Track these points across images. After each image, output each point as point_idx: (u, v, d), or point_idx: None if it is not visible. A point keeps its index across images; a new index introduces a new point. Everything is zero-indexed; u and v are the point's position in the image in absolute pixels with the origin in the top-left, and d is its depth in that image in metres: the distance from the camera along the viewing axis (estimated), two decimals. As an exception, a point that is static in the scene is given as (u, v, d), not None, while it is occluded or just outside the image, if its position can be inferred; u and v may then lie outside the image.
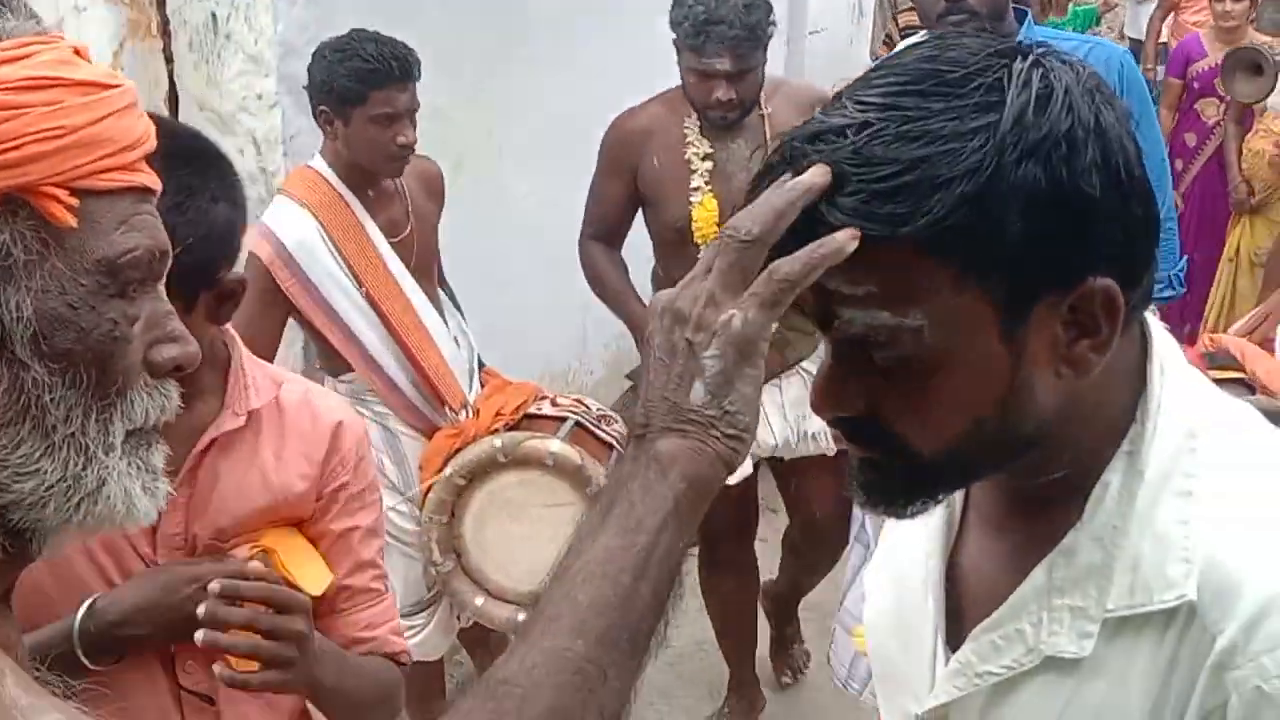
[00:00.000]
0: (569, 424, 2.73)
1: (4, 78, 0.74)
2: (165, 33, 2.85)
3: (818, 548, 3.19)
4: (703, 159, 2.89)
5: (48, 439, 0.78)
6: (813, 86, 3.17)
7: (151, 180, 0.83)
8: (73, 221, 0.77)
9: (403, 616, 2.88)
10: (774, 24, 2.83)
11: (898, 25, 4.61)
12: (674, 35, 2.81)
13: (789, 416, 2.96)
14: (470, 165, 3.02)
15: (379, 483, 1.59)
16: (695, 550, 3.33)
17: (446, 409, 2.76)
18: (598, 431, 2.77)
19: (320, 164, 2.66)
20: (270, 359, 2.65)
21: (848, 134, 0.79)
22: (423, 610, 2.89)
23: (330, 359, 2.75)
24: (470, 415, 2.76)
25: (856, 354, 0.83)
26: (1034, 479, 0.88)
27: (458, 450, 2.69)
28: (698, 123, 2.88)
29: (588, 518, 0.79)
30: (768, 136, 2.87)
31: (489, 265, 3.17)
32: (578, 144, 3.81)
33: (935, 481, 0.88)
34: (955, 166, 0.77)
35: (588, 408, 2.81)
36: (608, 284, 3.05)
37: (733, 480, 3.02)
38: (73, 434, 0.79)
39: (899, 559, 1.04)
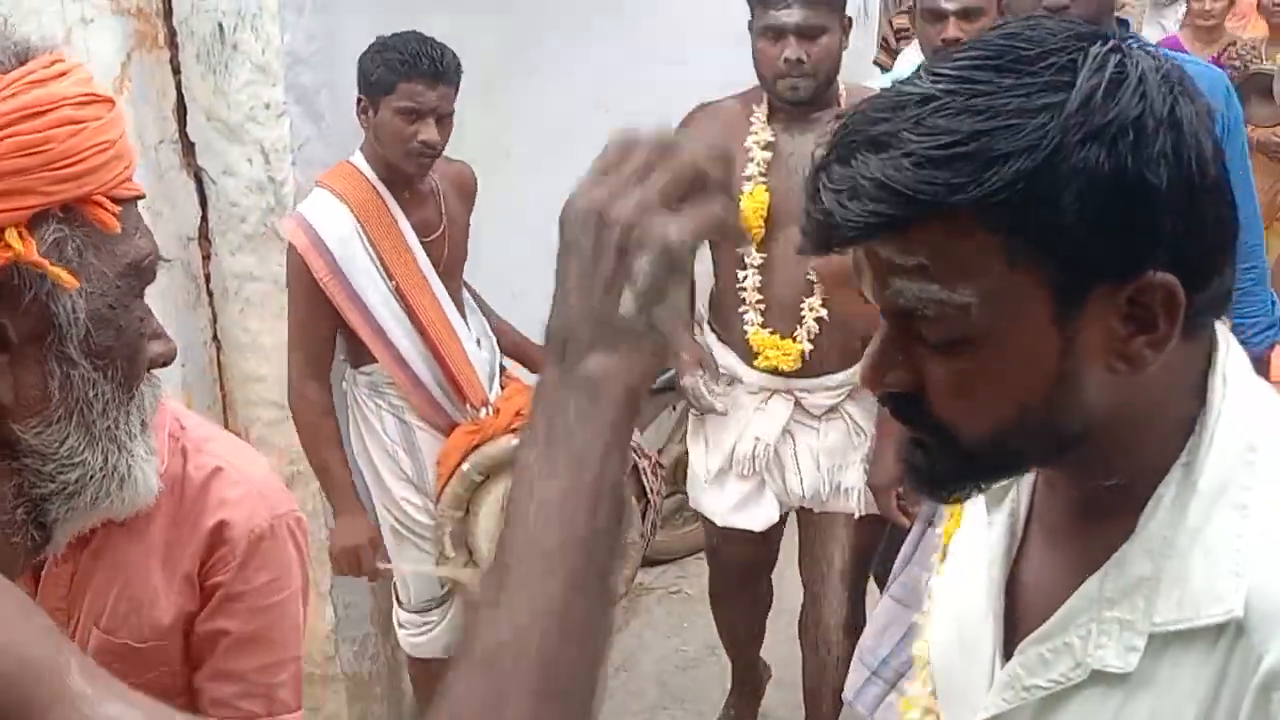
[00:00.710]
0: None
1: (63, 94, 0.81)
2: (172, 44, 2.86)
3: (826, 611, 2.98)
4: (763, 148, 2.76)
5: (90, 432, 0.84)
6: None
7: (141, 189, 0.90)
8: (118, 227, 0.83)
9: (415, 613, 2.92)
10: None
11: (892, 27, 4.58)
12: (747, 2, 2.72)
13: (823, 465, 2.82)
14: (479, 169, 3.02)
15: (281, 592, 1.42)
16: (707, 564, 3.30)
17: (468, 406, 2.79)
18: (615, 438, 2.78)
19: (360, 160, 2.73)
20: (328, 356, 2.72)
21: (913, 104, 0.79)
22: (435, 607, 2.91)
23: (354, 350, 2.81)
24: (490, 414, 2.79)
25: (907, 329, 0.83)
26: (1089, 483, 0.87)
27: (476, 447, 2.73)
28: (766, 112, 2.78)
29: (526, 450, 0.74)
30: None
31: (498, 269, 3.17)
32: (588, 148, 3.79)
33: (978, 468, 0.87)
34: (1015, 141, 0.76)
35: None
36: None
37: (758, 526, 2.92)
38: (108, 426, 0.85)
39: (962, 569, 1.03)
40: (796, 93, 2.69)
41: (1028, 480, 0.97)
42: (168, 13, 2.83)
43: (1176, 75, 0.81)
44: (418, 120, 2.62)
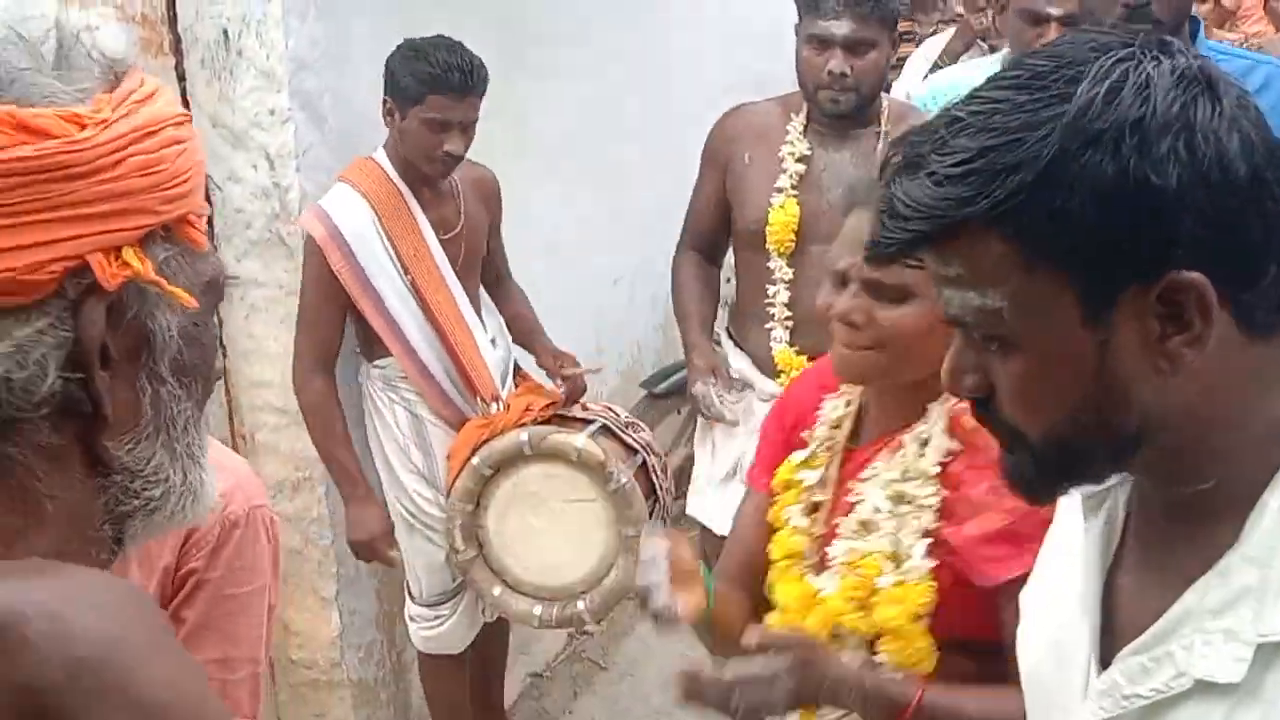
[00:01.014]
0: (596, 425, 2.75)
1: (165, 114, 0.81)
2: (177, 50, 2.86)
3: None
4: (797, 160, 2.71)
5: (173, 449, 0.84)
6: None
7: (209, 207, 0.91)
8: (207, 245, 0.84)
9: (427, 606, 2.94)
10: (906, 5, 2.68)
11: None
12: (795, 5, 2.68)
13: None
14: (481, 173, 3.03)
15: (247, 585, 1.41)
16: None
17: (478, 400, 2.84)
18: (623, 436, 2.79)
19: (381, 156, 2.80)
20: (335, 347, 2.77)
21: (943, 127, 0.85)
22: (447, 601, 2.94)
23: (368, 343, 2.86)
24: (501, 409, 2.83)
25: (968, 335, 0.89)
26: (1180, 488, 0.88)
27: (486, 441, 2.76)
28: (804, 122, 2.73)
29: None
30: (880, 156, 2.71)
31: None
32: (591, 152, 3.81)
33: (1052, 468, 0.90)
34: (1019, 154, 0.80)
35: (616, 414, 2.86)
36: (678, 303, 2.92)
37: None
38: (188, 443, 0.85)
39: (1056, 575, 1.04)
40: (837, 106, 2.65)
41: (1125, 487, 0.97)
42: (172, 19, 2.84)
43: (1201, 76, 0.82)
44: (444, 131, 2.69)
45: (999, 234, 0.82)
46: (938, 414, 1.53)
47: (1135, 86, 0.80)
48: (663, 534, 1.57)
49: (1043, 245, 0.82)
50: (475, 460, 2.75)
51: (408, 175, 2.79)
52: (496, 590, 2.82)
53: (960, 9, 4.96)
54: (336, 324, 2.78)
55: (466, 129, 2.72)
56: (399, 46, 2.74)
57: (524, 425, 2.78)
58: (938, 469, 1.51)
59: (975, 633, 1.51)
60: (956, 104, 0.86)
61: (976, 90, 0.86)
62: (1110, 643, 0.94)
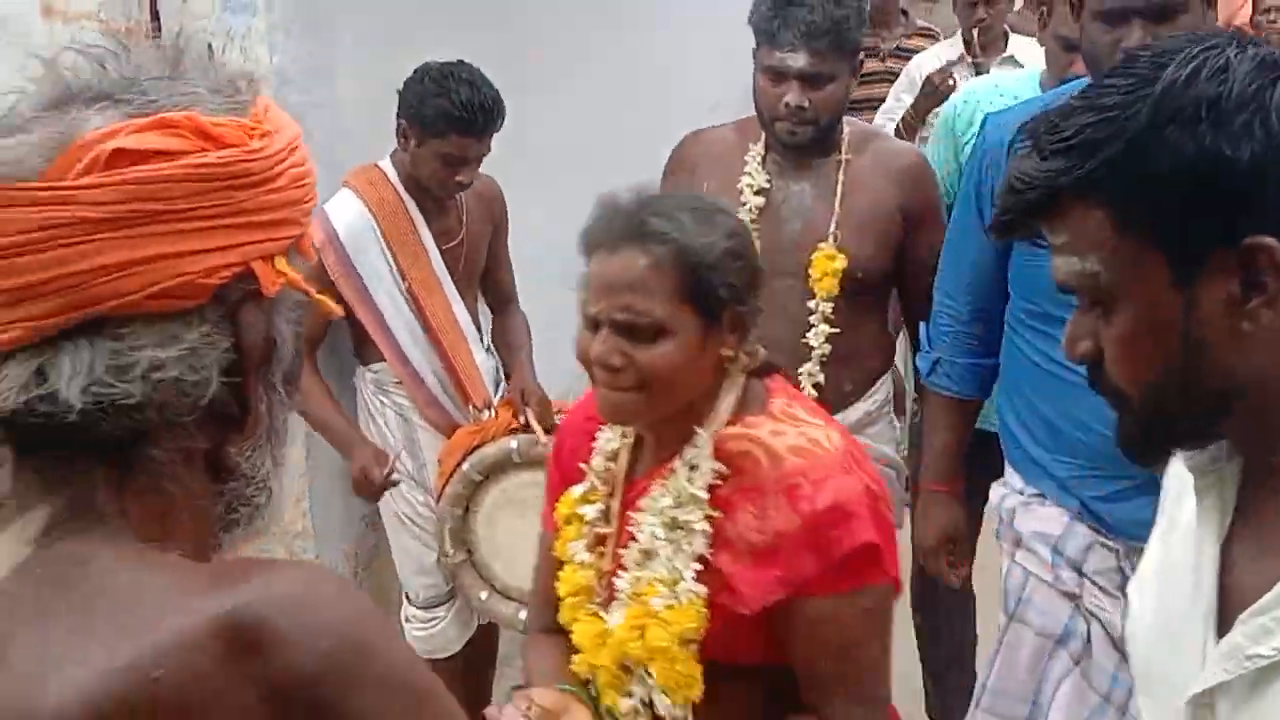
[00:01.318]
0: None
1: (296, 129, 0.84)
2: (161, 65, 2.86)
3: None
4: (755, 193, 2.60)
5: (274, 457, 0.86)
6: (913, 153, 2.84)
7: None
8: (315, 258, 0.87)
9: (422, 609, 2.98)
10: (866, 34, 2.61)
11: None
12: (752, 32, 2.59)
13: None
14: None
15: None
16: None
17: (470, 407, 2.88)
18: (611, 447, 2.82)
19: (387, 164, 2.84)
20: (317, 337, 2.78)
21: (1056, 110, 0.95)
22: (441, 604, 2.98)
23: (363, 347, 2.89)
24: (492, 415, 2.87)
25: (1080, 303, 0.98)
26: (1278, 454, 0.95)
27: (477, 447, 2.80)
28: (762, 152, 2.62)
29: None
30: (840, 186, 2.57)
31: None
32: (580, 168, 3.82)
33: (1153, 431, 0.98)
34: (1110, 129, 0.91)
35: None
36: None
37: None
38: (282, 451, 0.87)
39: (1166, 555, 1.09)
40: (794, 138, 2.55)
41: (1235, 467, 1.02)
42: (156, 33, 2.84)
43: None
44: (460, 164, 2.72)
45: (1094, 201, 0.92)
46: (705, 439, 1.55)
47: (1213, 69, 0.89)
48: (515, 703, 1.56)
49: (1132, 212, 0.91)
50: (465, 466, 2.79)
51: (411, 186, 2.83)
52: (484, 594, 2.86)
53: (922, 21, 5.02)
54: (324, 323, 2.78)
55: (480, 159, 2.77)
56: (420, 71, 2.73)
57: (514, 432, 2.82)
58: (706, 494, 1.53)
59: (745, 658, 1.55)
60: (1073, 94, 0.96)
61: (1090, 82, 0.97)
62: (1225, 614, 0.98)
